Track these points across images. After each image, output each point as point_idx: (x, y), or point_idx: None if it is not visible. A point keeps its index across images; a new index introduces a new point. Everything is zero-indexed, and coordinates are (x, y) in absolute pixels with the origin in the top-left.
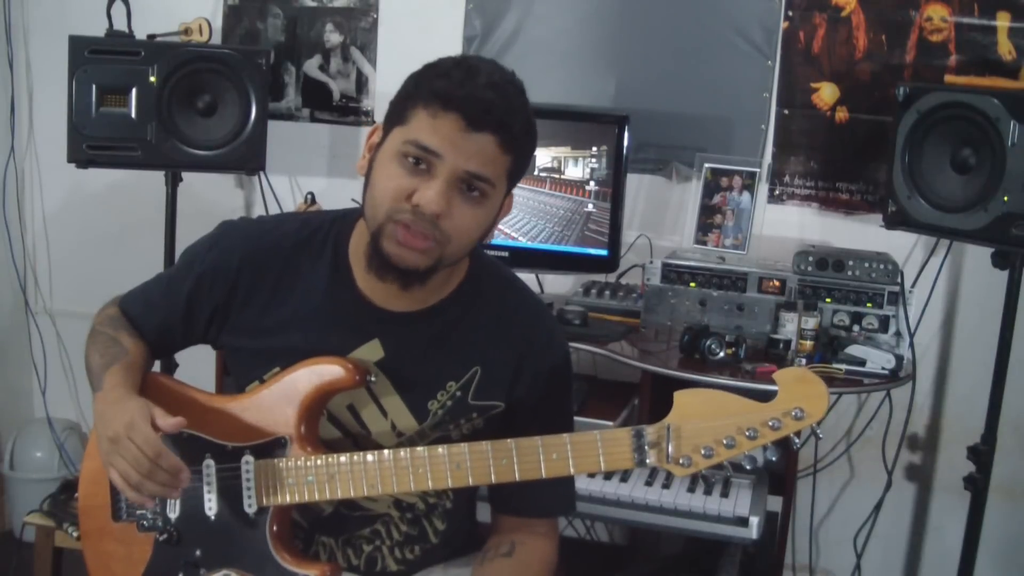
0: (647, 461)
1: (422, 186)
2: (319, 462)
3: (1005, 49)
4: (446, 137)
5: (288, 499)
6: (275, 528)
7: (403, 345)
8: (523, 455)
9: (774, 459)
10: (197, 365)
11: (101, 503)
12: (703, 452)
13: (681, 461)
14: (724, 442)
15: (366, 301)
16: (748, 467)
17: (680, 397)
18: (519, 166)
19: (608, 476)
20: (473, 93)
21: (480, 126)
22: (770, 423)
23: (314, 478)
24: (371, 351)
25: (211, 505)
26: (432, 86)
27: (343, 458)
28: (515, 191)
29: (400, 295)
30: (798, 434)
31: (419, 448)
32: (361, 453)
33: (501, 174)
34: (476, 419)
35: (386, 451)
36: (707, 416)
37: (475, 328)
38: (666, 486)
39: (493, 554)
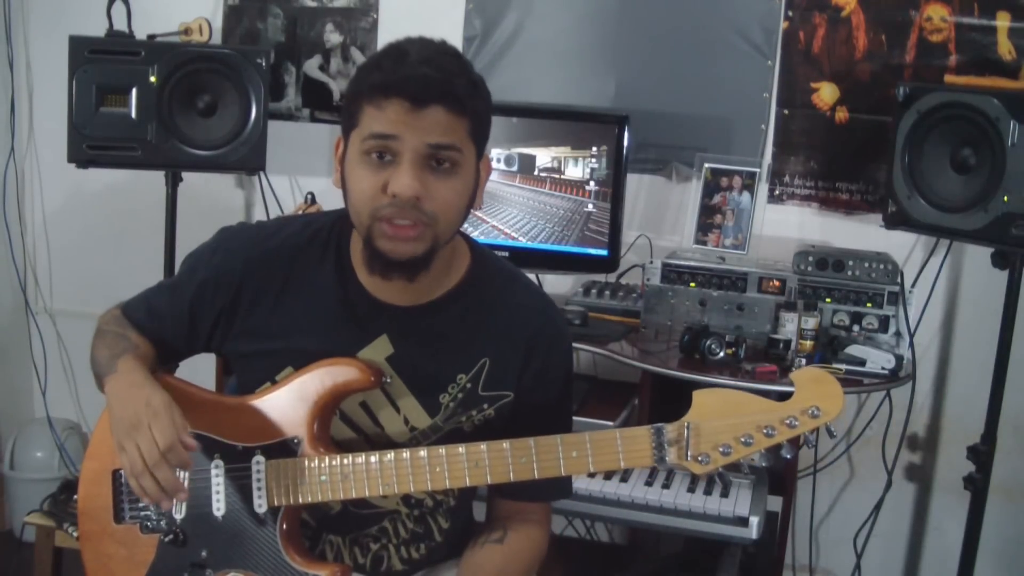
0: (666, 459)
1: (392, 175)
2: (333, 462)
3: (1005, 49)
4: (398, 120)
5: (300, 499)
6: (285, 528)
7: (412, 340)
8: (542, 453)
9: (789, 456)
10: (197, 365)
11: (102, 504)
12: (721, 450)
13: (700, 459)
14: (742, 440)
15: (372, 298)
16: (764, 464)
17: (699, 396)
18: (479, 125)
19: (608, 476)
20: (409, 74)
21: (425, 101)
22: (787, 421)
23: (328, 478)
24: (381, 347)
25: (219, 505)
26: (370, 81)
27: (359, 458)
28: (515, 190)
29: (405, 290)
30: (814, 433)
31: (439, 447)
32: (377, 452)
33: (464, 138)
34: (487, 410)
35: (404, 450)
36: (725, 414)
37: (482, 320)
38: (666, 486)
39: (484, 539)
